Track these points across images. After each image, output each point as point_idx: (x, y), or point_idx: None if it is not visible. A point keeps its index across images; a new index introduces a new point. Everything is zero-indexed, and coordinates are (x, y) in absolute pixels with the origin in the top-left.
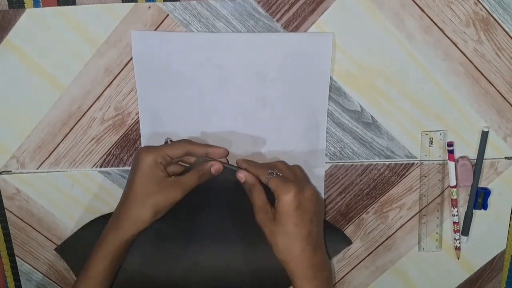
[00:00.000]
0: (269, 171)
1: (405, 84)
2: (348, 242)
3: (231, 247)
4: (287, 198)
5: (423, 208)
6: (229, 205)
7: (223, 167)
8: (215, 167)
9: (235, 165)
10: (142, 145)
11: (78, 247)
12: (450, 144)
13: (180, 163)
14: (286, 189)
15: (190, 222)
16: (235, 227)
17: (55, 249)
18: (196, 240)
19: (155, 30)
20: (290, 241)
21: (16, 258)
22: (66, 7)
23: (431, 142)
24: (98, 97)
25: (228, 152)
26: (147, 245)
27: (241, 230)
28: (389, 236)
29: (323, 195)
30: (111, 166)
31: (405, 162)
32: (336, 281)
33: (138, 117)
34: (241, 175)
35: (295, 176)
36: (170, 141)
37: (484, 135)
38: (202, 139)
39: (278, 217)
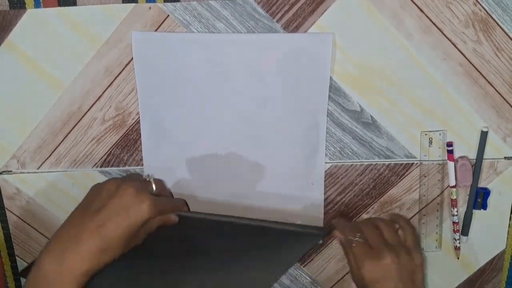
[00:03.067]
0: (356, 239)
1: (404, 84)
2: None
3: None
4: (363, 271)
5: (422, 208)
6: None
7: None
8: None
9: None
10: (143, 144)
11: None
12: (449, 144)
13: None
14: (364, 261)
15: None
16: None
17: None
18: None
19: (156, 30)
20: None
21: (17, 258)
22: (66, 7)
23: (430, 142)
24: (99, 97)
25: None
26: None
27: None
28: None
29: (322, 196)
30: (112, 166)
31: (405, 162)
32: (336, 281)
33: (139, 117)
34: (337, 236)
35: (378, 240)
36: (150, 176)
37: (484, 135)
38: (202, 139)
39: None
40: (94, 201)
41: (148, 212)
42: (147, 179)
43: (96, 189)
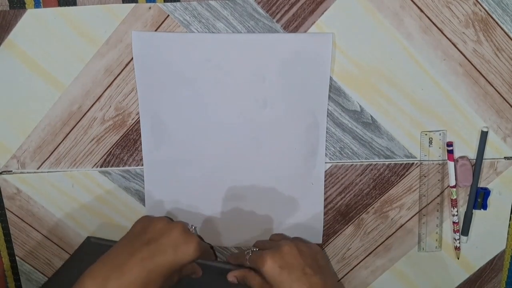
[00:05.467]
0: (246, 252)
1: (404, 84)
2: None
3: None
4: (266, 267)
5: (422, 208)
6: None
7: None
8: (196, 275)
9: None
10: (143, 144)
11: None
12: (449, 144)
13: None
14: (262, 259)
15: None
16: None
17: None
18: None
19: (156, 30)
20: None
21: (16, 258)
22: (66, 7)
23: (430, 142)
24: (99, 97)
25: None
26: None
27: None
28: (389, 236)
29: (322, 196)
30: (112, 166)
31: (405, 162)
32: (336, 281)
33: (139, 117)
34: (231, 279)
35: (271, 242)
36: (194, 228)
37: (484, 135)
38: (202, 139)
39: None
40: (144, 233)
41: (194, 252)
42: (191, 229)
43: (146, 222)
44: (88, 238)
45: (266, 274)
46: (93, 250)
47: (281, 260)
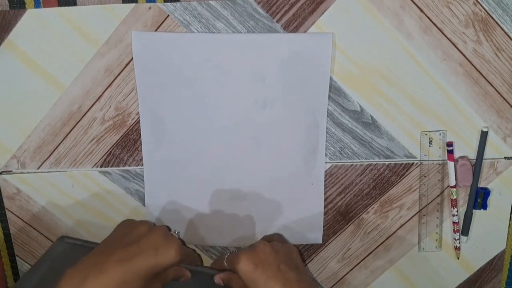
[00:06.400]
0: (225, 256)
1: (404, 84)
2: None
3: None
4: (240, 266)
5: (422, 208)
6: None
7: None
8: (184, 278)
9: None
10: (143, 144)
11: (41, 281)
12: (449, 144)
13: None
14: (236, 259)
15: None
16: None
17: None
18: None
19: (156, 30)
20: None
21: (16, 258)
22: (66, 7)
23: (430, 142)
24: (99, 97)
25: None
26: None
27: None
28: (389, 236)
29: (322, 196)
30: (112, 166)
31: (405, 162)
32: (336, 281)
33: (139, 117)
34: (217, 281)
35: (249, 245)
36: (177, 232)
37: (484, 135)
38: (202, 139)
39: (249, 287)
40: (125, 236)
41: (174, 255)
42: (174, 234)
43: (127, 226)
44: (62, 238)
45: (240, 273)
46: (66, 250)
47: (255, 258)
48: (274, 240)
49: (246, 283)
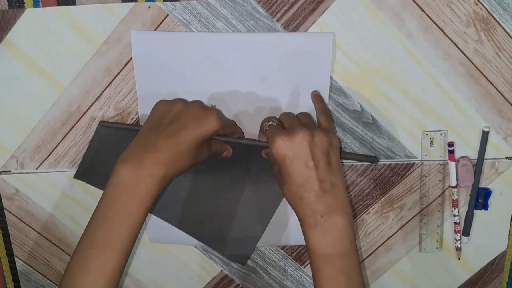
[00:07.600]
0: (267, 123)
1: (405, 84)
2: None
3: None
4: (273, 148)
5: (423, 209)
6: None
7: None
8: (226, 153)
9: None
10: None
11: (95, 165)
12: (450, 144)
13: None
14: (273, 138)
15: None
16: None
17: (74, 177)
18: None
19: (155, 30)
20: (289, 190)
21: (15, 258)
22: (66, 7)
23: (431, 142)
24: (98, 97)
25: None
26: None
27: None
28: (390, 237)
29: None
30: None
31: (406, 162)
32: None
33: (138, 117)
34: (263, 156)
35: (293, 122)
36: (214, 106)
37: (485, 135)
38: None
39: (277, 167)
40: (165, 116)
41: (216, 122)
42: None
43: (165, 106)
44: (100, 123)
45: (272, 154)
46: (108, 134)
47: (289, 145)
48: (322, 122)
49: (275, 162)
